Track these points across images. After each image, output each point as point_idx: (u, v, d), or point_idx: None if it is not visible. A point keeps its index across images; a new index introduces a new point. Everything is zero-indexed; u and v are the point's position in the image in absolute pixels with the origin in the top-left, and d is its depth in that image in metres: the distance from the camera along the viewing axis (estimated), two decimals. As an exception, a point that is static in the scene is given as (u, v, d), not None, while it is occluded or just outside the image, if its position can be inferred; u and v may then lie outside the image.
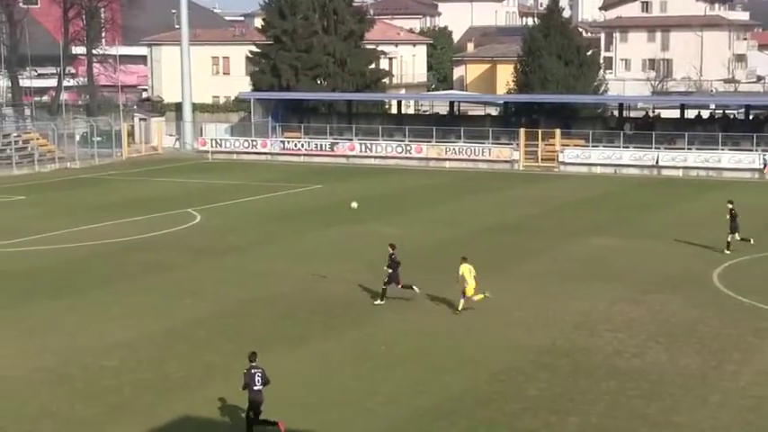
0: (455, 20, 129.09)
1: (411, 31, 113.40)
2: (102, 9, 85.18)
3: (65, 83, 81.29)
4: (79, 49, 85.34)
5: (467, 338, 25.41)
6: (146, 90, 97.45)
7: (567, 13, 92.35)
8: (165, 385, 21.88)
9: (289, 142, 69.11)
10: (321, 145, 68.17)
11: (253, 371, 18.93)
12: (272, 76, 74.29)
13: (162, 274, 32.89)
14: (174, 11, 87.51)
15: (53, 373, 22.67)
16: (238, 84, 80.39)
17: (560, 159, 62.79)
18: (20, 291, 30.54)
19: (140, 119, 78.57)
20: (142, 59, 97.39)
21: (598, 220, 43.62)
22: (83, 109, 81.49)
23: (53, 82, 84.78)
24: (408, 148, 66.18)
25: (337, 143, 68.00)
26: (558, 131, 63.59)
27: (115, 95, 78.58)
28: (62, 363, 23.29)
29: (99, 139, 68.91)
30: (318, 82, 75.11)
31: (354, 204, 35.17)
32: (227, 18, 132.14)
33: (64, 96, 78.73)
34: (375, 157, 66.57)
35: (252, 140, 69.91)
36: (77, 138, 69.91)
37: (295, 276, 32.45)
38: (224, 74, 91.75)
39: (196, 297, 29.69)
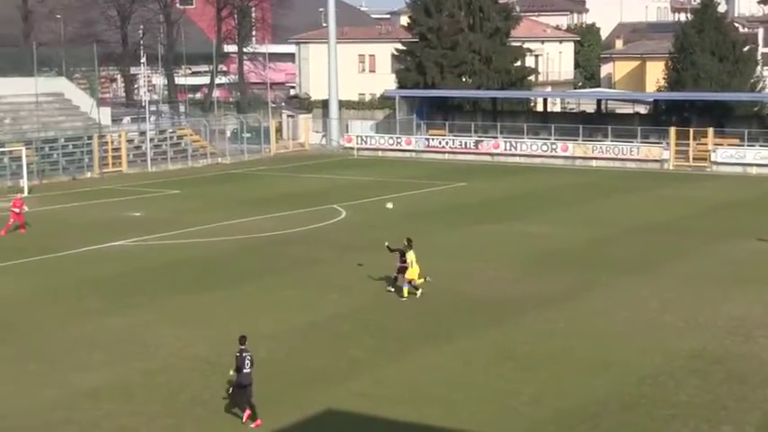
0: (603, 16, 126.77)
1: (558, 27, 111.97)
2: (253, 8, 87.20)
3: (217, 80, 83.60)
4: (231, 48, 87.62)
5: (613, 340, 24.94)
6: (293, 87, 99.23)
7: (722, 8, 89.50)
8: (311, 378, 22.23)
9: (433, 140, 69.27)
10: (465, 143, 68.07)
11: (244, 354, 19.68)
12: (418, 73, 74.50)
13: (309, 268, 33.42)
14: (321, 9, 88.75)
15: (206, 362, 23.33)
16: (384, 81, 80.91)
17: (713, 159, 61.00)
18: (174, 282, 31.53)
19: (288, 115, 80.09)
20: (290, 57, 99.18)
21: (753, 221, 42.17)
22: (233, 106, 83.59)
23: (206, 80, 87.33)
24: (554, 146, 65.42)
25: (482, 141, 67.78)
26: (710, 130, 61.79)
27: (264, 93, 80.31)
28: (214, 353, 23.93)
29: (248, 135, 70.54)
30: (463, 79, 74.96)
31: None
32: (373, 16, 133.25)
33: (216, 93, 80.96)
34: (520, 156, 66.05)
35: (396, 138, 70.38)
36: (228, 134, 71.74)
37: (439, 273, 32.47)
38: (370, 71, 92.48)
39: (342, 292, 30.05)
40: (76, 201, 49.34)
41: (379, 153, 70.31)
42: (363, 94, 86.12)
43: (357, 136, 72.08)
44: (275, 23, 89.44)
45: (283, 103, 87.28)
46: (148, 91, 77.31)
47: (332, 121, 75.68)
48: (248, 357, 19.73)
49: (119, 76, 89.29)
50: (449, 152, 68.11)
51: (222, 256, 35.73)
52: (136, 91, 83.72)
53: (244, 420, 19.59)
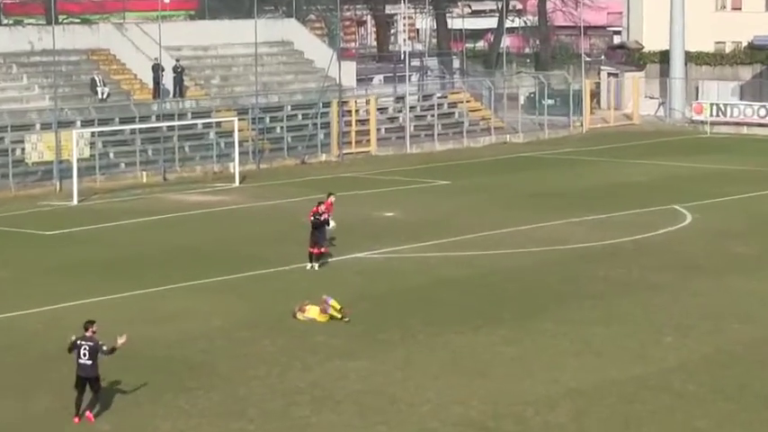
0: None
1: None
2: None
3: (507, 23, 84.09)
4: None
5: None
6: (618, 33, 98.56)
7: None
8: (635, 457, 22.03)
9: (829, 110, 67.95)
10: None
11: (80, 342, 23.26)
12: (808, 11, 72.50)
13: (632, 296, 33.21)
14: None
15: (479, 428, 23.50)
16: (754, 23, 79.00)
17: None
18: (439, 311, 31.95)
19: (609, 74, 79.67)
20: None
21: None
22: (530, 60, 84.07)
23: (492, 22, 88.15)
24: None
25: None
26: None
27: (575, 41, 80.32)
28: (491, 415, 24.07)
29: (551, 102, 70.73)
30: None
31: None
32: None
33: (505, 42, 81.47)
34: None
35: (771, 107, 69.57)
36: (522, 100, 72.17)
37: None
38: (733, 9, 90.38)
39: (681, 332, 29.70)
40: (306, 194, 50.78)
41: (744, 129, 69.61)
42: (722, 43, 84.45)
43: (712, 104, 71.68)
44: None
45: (603, 57, 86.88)
46: (410, 39, 79.10)
47: (674, 83, 74.83)
48: (86, 347, 23.10)
49: (368, 17, 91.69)
50: None
51: (505, 275, 35.92)
52: (392, 39, 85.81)
53: (75, 420, 23.12)
